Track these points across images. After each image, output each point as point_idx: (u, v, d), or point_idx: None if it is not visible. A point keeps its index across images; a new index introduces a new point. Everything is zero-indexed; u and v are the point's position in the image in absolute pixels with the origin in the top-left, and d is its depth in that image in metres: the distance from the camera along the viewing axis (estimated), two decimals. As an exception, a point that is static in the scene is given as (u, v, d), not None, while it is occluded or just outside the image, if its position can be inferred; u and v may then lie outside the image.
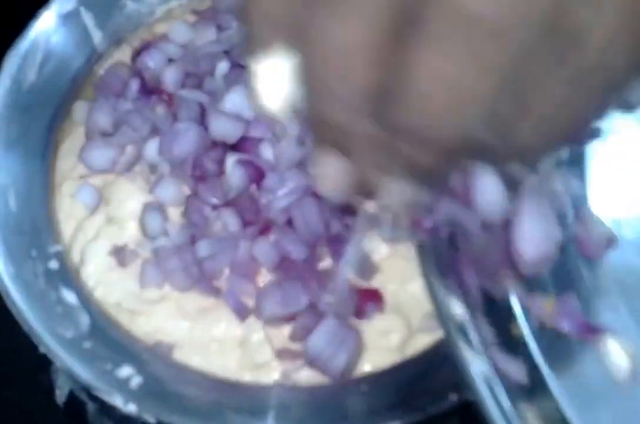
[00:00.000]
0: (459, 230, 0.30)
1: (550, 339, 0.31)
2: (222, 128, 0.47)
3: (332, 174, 0.27)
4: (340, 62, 0.23)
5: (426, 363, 0.42)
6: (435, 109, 0.22)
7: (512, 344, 0.30)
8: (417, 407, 0.40)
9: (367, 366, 0.43)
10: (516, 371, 0.29)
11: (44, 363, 0.45)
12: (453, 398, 0.40)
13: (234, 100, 0.48)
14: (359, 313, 0.43)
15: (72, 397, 0.48)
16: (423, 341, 0.43)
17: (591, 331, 0.32)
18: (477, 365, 0.28)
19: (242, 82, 0.48)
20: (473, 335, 0.28)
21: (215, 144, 0.47)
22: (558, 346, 0.31)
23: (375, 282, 0.44)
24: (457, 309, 0.29)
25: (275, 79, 0.26)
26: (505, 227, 0.30)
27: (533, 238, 0.30)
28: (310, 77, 0.24)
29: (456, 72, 0.22)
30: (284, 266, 0.44)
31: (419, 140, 0.24)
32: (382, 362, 0.43)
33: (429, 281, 0.29)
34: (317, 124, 0.26)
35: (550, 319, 0.32)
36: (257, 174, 0.46)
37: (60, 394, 0.48)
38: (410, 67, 0.22)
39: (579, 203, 0.34)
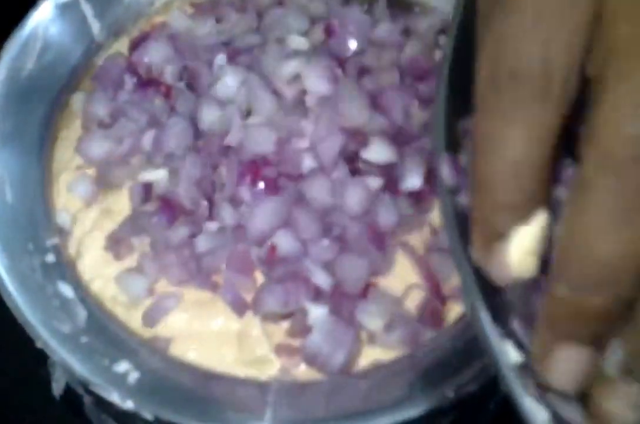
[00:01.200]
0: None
1: None
2: (212, 117, 0.46)
3: (572, 368, 0.26)
4: None
5: (424, 359, 0.42)
6: None
7: None
8: (416, 402, 0.40)
9: (366, 361, 0.43)
10: (575, 416, 0.28)
11: (41, 356, 0.44)
12: (450, 393, 0.40)
13: (226, 85, 0.47)
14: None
15: (68, 390, 0.48)
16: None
17: None
18: (540, 414, 0.27)
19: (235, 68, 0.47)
20: (531, 381, 0.27)
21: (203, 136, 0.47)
22: None
23: (376, 279, 0.44)
24: (514, 355, 0.28)
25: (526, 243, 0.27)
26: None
27: None
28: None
29: None
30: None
31: None
32: (381, 357, 0.43)
33: (481, 329, 0.28)
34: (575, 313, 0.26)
35: None
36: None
37: (57, 387, 0.48)
38: None
39: None
